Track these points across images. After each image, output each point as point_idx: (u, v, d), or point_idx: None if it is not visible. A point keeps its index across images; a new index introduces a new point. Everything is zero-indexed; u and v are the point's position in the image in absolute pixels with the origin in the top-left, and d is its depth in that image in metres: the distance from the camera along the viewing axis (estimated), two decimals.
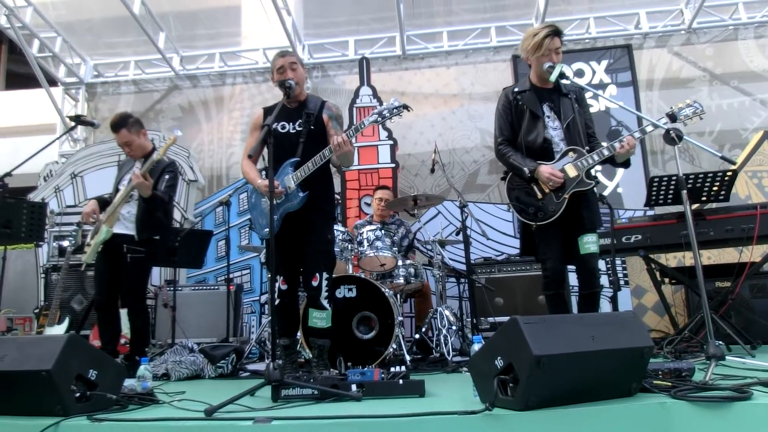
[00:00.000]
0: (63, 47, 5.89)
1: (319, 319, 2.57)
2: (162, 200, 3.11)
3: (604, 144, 2.53)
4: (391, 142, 5.32)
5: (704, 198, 3.19)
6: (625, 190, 5.04)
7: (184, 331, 4.00)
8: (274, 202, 2.50)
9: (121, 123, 3.13)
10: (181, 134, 3.18)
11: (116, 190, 3.22)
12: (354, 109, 5.39)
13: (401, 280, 3.59)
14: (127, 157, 3.31)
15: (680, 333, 3.01)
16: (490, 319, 3.98)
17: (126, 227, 3.11)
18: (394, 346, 3.14)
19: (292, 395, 1.87)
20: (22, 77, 8.42)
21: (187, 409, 1.75)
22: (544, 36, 2.51)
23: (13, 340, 1.90)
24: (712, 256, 4.48)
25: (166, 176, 3.13)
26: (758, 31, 5.37)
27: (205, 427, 1.56)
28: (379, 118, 2.56)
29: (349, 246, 3.60)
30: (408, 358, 3.15)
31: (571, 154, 2.54)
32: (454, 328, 3.46)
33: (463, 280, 4.23)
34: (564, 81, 2.59)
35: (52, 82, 6.00)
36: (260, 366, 3.41)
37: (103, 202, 3.21)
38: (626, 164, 2.59)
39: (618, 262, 4.64)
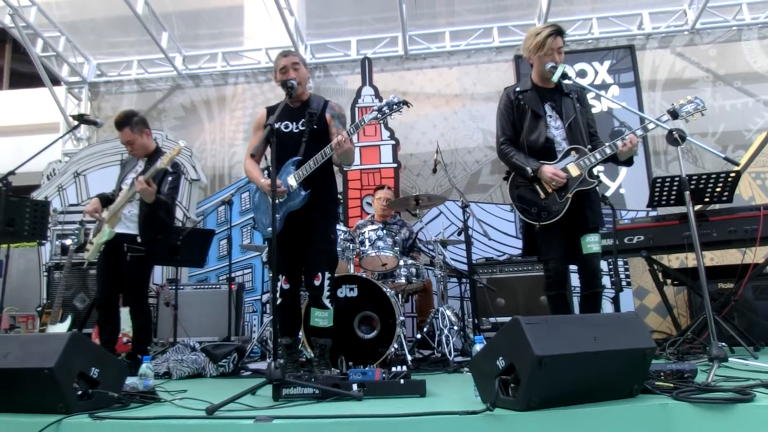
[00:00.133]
0: (66, 46, 5.91)
1: (321, 318, 2.57)
2: (165, 203, 3.12)
3: (607, 143, 2.53)
4: (393, 142, 5.32)
5: (707, 199, 3.17)
6: (628, 191, 5.03)
7: (186, 330, 4.01)
8: (277, 201, 2.51)
9: (125, 122, 3.13)
10: (185, 144, 3.18)
11: (119, 188, 3.23)
12: (356, 109, 5.39)
13: (402, 280, 3.58)
14: (130, 155, 3.32)
15: (683, 334, 3.00)
16: (492, 320, 3.97)
17: (127, 227, 3.12)
18: (396, 345, 3.14)
19: (294, 394, 1.87)
20: (25, 76, 8.45)
21: (188, 408, 1.75)
22: (546, 35, 2.51)
23: (16, 337, 1.91)
24: (715, 258, 4.46)
25: (169, 178, 3.14)
26: (762, 32, 5.35)
27: (206, 425, 1.57)
28: (379, 115, 2.56)
29: (351, 246, 3.60)
30: (409, 357, 3.15)
31: (573, 153, 2.53)
32: (455, 328, 3.46)
33: (464, 280, 4.22)
34: (566, 81, 2.58)
35: (56, 81, 6.03)
36: (261, 365, 3.41)
37: (106, 200, 3.22)
38: (629, 162, 2.58)
39: (620, 262, 4.63)
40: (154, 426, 1.58)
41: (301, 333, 2.97)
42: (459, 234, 3.97)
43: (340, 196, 4.21)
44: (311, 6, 5.88)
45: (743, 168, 4.95)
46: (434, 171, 3.93)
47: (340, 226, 3.57)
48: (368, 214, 4.95)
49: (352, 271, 3.55)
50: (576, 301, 2.92)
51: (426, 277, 3.88)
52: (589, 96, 3.67)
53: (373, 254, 3.46)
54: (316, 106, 2.71)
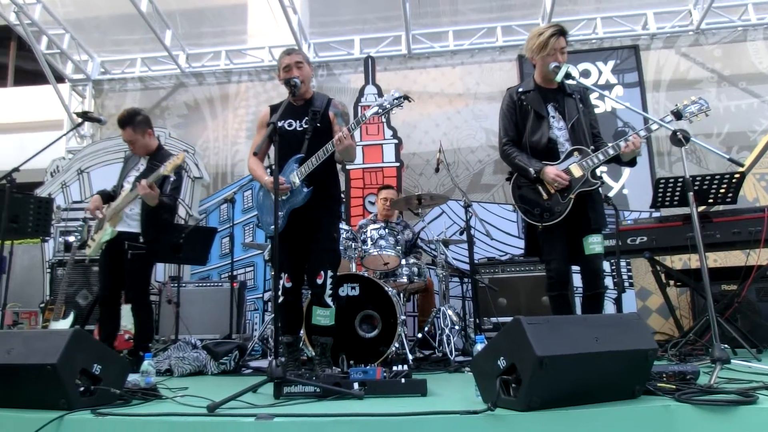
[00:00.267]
0: (71, 44, 5.93)
1: (323, 316, 2.58)
2: (168, 205, 3.14)
3: (610, 143, 2.52)
4: (395, 141, 5.31)
5: (711, 200, 3.16)
6: (631, 192, 5.01)
7: (188, 328, 4.01)
8: (280, 198, 2.52)
9: (128, 121, 3.14)
10: (187, 153, 3.19)
11: (120, 185, 3.24)
12: (359, 107, 5.39)
13: (404, 279, 3.58)
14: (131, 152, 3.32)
15: (685, 336, 2.99)
16: (493, 319, 3.97)
17: (129, 225, 3.13)
18: (397, 344, 3.14)
19: (295, 392, 1.87)
20: (30, 74, 8.48)
21: (189, 405, 1.76)
22: (549, 35, 2.50)
23: (20, 333, 1.92)
24: (719, 259, 4.45)
25: (171, 178, 3.14)
26: None
27: (207, 423, 1.57)
28: (380, 110, 2.55)
29: (353, 244, 3.60)
30: (410, 357, 3.15)
31: (576, 154, 2.52)
32: (456, 327, 3.45)
33: (466, 279, 4.22)
34: (569, 81, 2.57)
35: (60, 78, 6.05)
36: (263, 363, 3.42)
37: (107, 196, 3.23)
38: (632, 163, 2.57)
39: (623, 263, 4.61)
40: (155, 423, 1.59)
41: (302, 331, 2.98)
42: (461, 233, 3.97)
43: (342, 195, 4.20)
44: (315, 4, 5.87)
45: (748, 169, 4.92)
46: (437, 170, 3.93)
47: (343, 225, 3.57)
48: (370, 213, 4.95)
49: (353, 269, 3.55)
50: (578, 301, 2.91)
51: (428, 277, 3.88)
52: (593, 96, 3.65)
53: (375, 253, 3.46)
54: (319, 104, 2.71)
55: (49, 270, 4.92)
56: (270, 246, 3.82)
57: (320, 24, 5.91)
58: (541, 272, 3.91)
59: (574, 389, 1.55)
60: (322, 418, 1.53)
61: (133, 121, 3.14)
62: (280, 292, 2.58)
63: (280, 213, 2.37)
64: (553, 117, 2.59)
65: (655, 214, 4.09)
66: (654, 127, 2.52)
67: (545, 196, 2.52)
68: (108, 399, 1.78)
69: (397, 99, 2.53)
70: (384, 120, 5.31)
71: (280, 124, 2.60)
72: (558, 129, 2.58)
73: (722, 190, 3.10)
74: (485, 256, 4.67)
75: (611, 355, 1.58)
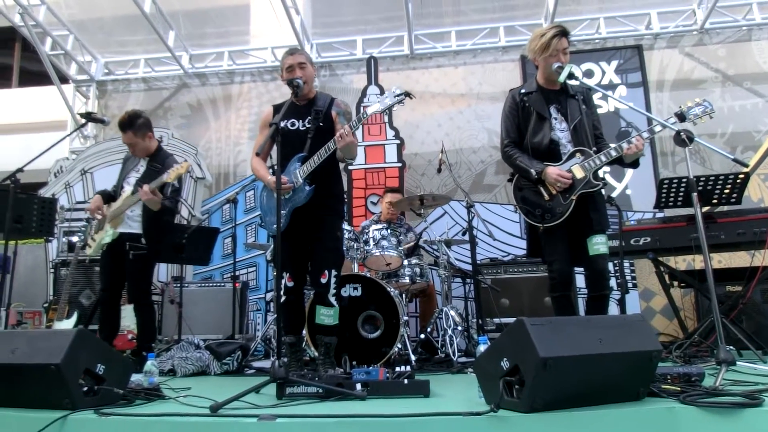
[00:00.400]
0: (75, 45, 5.95)
1: (327, 316, 2.57)
2: (169, 208, 3.16)
3: (612, 145, 2.51)
4: (398, 141, 5.31)
5: (715, 200, 3.14)
6: (634, 192, 4.99)
7: (191, 328, 4.02)
8: (283, 197, 2.52)
9: (129, 125, 3.15)
10: (192, 154, 3.21)
11: (121, 185, 3.25)
12: (361, 108, 5.38)
13: (407, 280, 3.58)
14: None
15: (690, 337, 2.98)
16: (496, 320, 3.96)
17: (130, 226, 3.15)
18: (399, 345, 3.13)
19: (297, 393, 1.87)
20: (34, 74, 8.51)
21: (192, 405, 1.76)
22: (551, 36, 2.49)
23: (24, 333, 1.92)
24: (723, 260, 4.42)
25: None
26: None
27: (210, 423, 1.57)
28: (381, 106, 2.56)
29: (355, 245, 3.60)
30: (413, 357, 3.14)
31: (578, 155, 2.52)
32: (459, 328, 3.45)
33: (468, 280, 4.21)
34: (572, 82, 2.57)
35: (64, 79, 6.07)
36: (265, 363, 3.42)
37: (107, 196, 3.25)
38: (635, 165, 2.56)
39: (626, 264, 4.60)
40: (158, 423, 1.59)
41: (304, 331, 2.97)
42: (463, 234, 3.97)
43: (345, 195, 4.18)
44: (317, 5, 5.88)
45: (752, 169, 4.89)
46: (439, 171, 3.92)
47: (345, 225, 3.57)
48: (373, 213, 4.95)
49: (356, 270, 3.55)
50: (581, 302, 2.90)
51: (430, 280, 3.86)
52: (596, 96, 3.63)
53: (378, 254, 3.45)
54: (322, 104, 2.71)
55: (52, 270, 4.93)
56: (272, 246, 3.83)
57: (323, 24, 5.91)
58: (543, 273, 3.90)
59: (578, 391, 1.54)
60: (325, 419, 1.53)
61: (134, 125, 3.15)
62: (282, 292, 2.58)
63: (282, 212, 2.38)
64: (556, 118, 2.59)
65: (659, 215, 4.07)
66: (657, 128, 2.51)
67: (546, 197, 2.51)
68: (111, 399, 1.78)
69: (398, 95, 2.54)
70: (386, 120, 5.31)
71: (283, 123, 2.60)
72: (560, 130, 2.57)
73: (726, 191, 3.08)
74: (488, 256, 4.67)
75: (615, 356, 1.57)
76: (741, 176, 3.07)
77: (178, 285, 4.21)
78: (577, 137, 2.55)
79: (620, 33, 5.50)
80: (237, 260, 4.49)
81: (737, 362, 2.06)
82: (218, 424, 1.56)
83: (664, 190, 3.20)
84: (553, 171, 2.47)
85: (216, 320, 4.35)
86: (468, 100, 5.61)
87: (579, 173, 2.48)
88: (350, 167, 5.24)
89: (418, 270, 3.64)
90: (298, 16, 5.51)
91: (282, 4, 5.13)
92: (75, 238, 4.20)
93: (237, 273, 4.54)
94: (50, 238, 4.91)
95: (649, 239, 3.31)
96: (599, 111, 2.93)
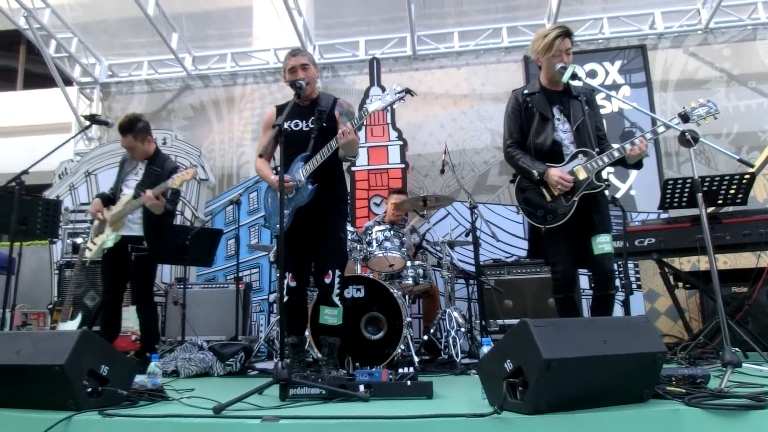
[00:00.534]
0: (79, 47, 5.99)
1: (331, 316, 2.57)
2: (170, 211, 3.19)
3: (615, 145, 2.50)
4: (401, 142, 5.31)
5: (721, 201, 3.13)
6: (639, 193, 4.97)
7: (194, 329, 4.03)
8: (286, 197, 2.52)
9: (129, 129, 3.17)
10: (197, 166, 3.24)
11: (119, 188, 3.27)
12: (364, 109, 5.39)
13: (410, 281, 3.58)
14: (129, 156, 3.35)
15: (695, 338, 2.96)
16: (499, 322, 3.95)
17: (131, 229, 3.18)
18: (402, 347, 3.13)
19: (300, 394, 1.87)
20: (39, 77, 8.57)
21: (196, 407, 1.76)
22: (554, 37, 2.49)
23: (28, 334, 1.93)
24: (729, 261, 4.40)
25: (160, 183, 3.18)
26: None
27: (213, 424, 1.57)
28: (383, 104, 2.56)
29: (358, 246, 3.60)
30: (416, 359, 3.14)
31: (580, 156, 2.51)
32: (462, 329, 3.44)
33: (472, 281, 4.20)
34: (575, 82, 2.56)
35: (68, 81, 6.10)
36: (268, 364, 3.42)
37: (106, 199, 3.27)
38: (638, 165, 2.55)
39: (630, 265, 4.57)
40: (162, 424, 1.59)
41: (307, 332, 2.97)
42: (467, 235, 3.95)
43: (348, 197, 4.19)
44: (320, 7, 5.89)
45: (758, 170, 4.87)
46: (442, 172, 3.91)
47: (348, 226, 3.57)
48: (376, 214, 4.95)
49: (359, 271, 3.55)
50: (585, 303, 2.89)
51: (433, 282, 3.86)
52: (600, 96, 3.61)
53: (381, 255, 3.45)
54: (325, 104, 2.72)
55: (57, 271, 4.96)
56: (275, 247, 3.83)
57: (325, 26, 5.92)
58: (547, 274, 3.89)
59: (582, 393, 1.53)
60: (328, 420, 1.53)
61: (134, 128, 3.18)
62: (284, 292, 2.59)
63: (285, 212, 2.38)
64: (558, 119, 2.58)
65: (663, 216, 4.05)
66: (661, 129, 2.50)
67: (549, 198, 2.50)
68: (115, 400, 1.79)
69: (399, 92, 2.54)
70: (389, 121, 5.31)
71: (286, 124, 2.60)
72: (563, 131, 2.57)
73: (732, 191, 3.06)
74: (491, 257, 4.66)
75: (619, 358, 1.56)
76: (747, 176, 3.05)
77: (182, 286, 4.23)
78: (580, 138, 2.54)
79: (624, 33, 5.48)
80: (240, 261, 4.49)
81: (743, 364, 2.05)
82: (221, 426, 1.56)
83: (669, 191, 3.18)
84: (554, 173, 2.46)
85: (219, 321, 4.36)
86: (471, 100, 5.60)
87: (581, 174, 2.47)
88: (353, 168, 5.25)
89: (421, 271, 3.64)
90: (301, 18, 5.52)
91: (284, 6, 5.14)
92: (79, 240, 4.22)
93: (240, 274, 4.54)
94: (55, 240, 4.94)
95: (653, 240, 3.29)
96: (603, 111, 2.92)
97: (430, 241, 4.38)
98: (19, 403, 1.75)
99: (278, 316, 3.53)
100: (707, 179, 3.06)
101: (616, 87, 5.18)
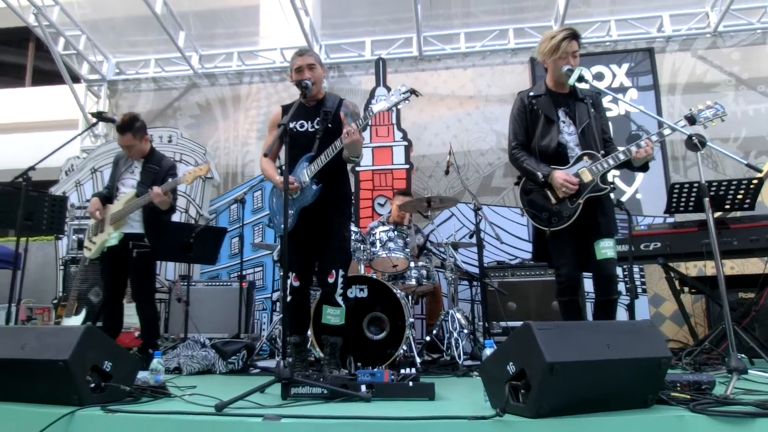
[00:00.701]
0: (87, 45, 6.02)
1: (333, 315, 2.58)
2: (172, 207, 3.25)
3: (621, 148, 2.48)
4: (405, 143, 5.31)
5: (728, 206, 3.10)
6: (645, 196, 4.94)
7: (197, 326, 4.04)
8: (291, 197, 2.52)
9: (128, 127, 3.21)
10: (209, 162, 3.27)
11: (116, 187, 3.29)
12: (369, 109, 5.39)
13: (413, 282, 3.57)
14: (125, 154, 3.36)
15: (700, 344, 2.93)
16: (503, 324, 3.94)
17: (132, 227, 3.21)
18: (405, 347, 3.12)
19: (302, 394, 1.87)
20: (47, 74, 8.63)
21: (198, 404, 1.77)
22: (561, 39, 2.47)
23: (33, 329, 1.95)
24: (735, 266, 4.36)
25: (170, 179, 3.22)
26: None
27: (215, 422, 1.57)
28: (387, 104, 2.56)
29: (362, 246, 3.60)
30: (418, 360, 3.13)
31: (585, 158, 2.49)
32: (465, 331, 3.43)
33: (475, 283, 4.19)
34: (582, 85, 2.54)
35: (76, 78, 6.14)
36: (270, 363, 3.42)
37: (104, 198, 3.30)
38: (644, 168, 2.53)
39: (635, 269, 4.55)
40: (164, 421, 1.59)
41: (309, 332, 2.98)
42: (471, 237, 3.95)
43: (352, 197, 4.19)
44: (326, 6, 5.90)
45: (766, 175, 4.81)
46: (447, 173, 3.90)
47: (352, 226, 3.57)
48: (380, 215, 4.95)
49: (362, 271, 3.54)
50: (589, 306, 2.87)
51: (436, 283, 3.85)
52: (606, 99, 3.58)
53: (384, 255, 3.45)
54: (330, 105, 2.72)
55: (62, 267, 4.99)
56: (279, 246, 3.83)
57: (332, 26, 5.92)
58: (551, 277, 3.86)
59: (585, 397, 1.52)
60: (329, 420, 1.53)
61: (133, 127, 3.22)
62: (287, 291, 2.59)
63: (290, 212, 2.38)
64: (564, 122, 2.57)
65: (670, 220, 4.03)
66: (667, 132, 2.48)
67: (553, 200, 2.49)
68: (118, 396, 1.80)
69: (404, 93, 2.54)
70: (394, 122, 5.31)
71: (292, 125, 2.61)
72: (568, 134, 2.55)
73: (739, 196, 3.03)
74: (495, 259, 4.64)
75: (623, 362, 1.55)
76: (754, 181, 3.03)
77: (186, 283, 4.24)
78: (585, 141, 2.53)
79: (631, 36, 5.45)
80: (244, 260, 4.50)
81: (749, 371, 2.03)
82: (223, 423, 1.57)
83: (675, 195, 3.16)
84: (559, 175, 2.45)
85: (222, 319, 4.37)
86: (476, 102, 5.59)
87: (586, 177, 2.45)
88: (357, 168, 5.24)
89: (424, 272, 3.63)
90: (308, 18, 5.53)
91: (291, 6, 5.15)
92: (84, 236, 4.24)
93: (244, 272, 4.55)
94: (60, 236, 4.97)
95: (659, 244, 3.27)
96: (609, 114, 2.91)
97: (434, 242, 4.38)
98: (23, 397, 1.76)
99: (281, 315, 3.54)
100: (714, 184, 3.03)
101: (623, 90, 5.15)
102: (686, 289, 3.54)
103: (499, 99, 5.52)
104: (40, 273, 5.38)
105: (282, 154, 2.61)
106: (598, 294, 2.48)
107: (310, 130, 2.68)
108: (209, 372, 2.97)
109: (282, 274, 2.49)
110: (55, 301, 4.32)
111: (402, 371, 2.09)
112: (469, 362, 3.23)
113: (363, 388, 1.88)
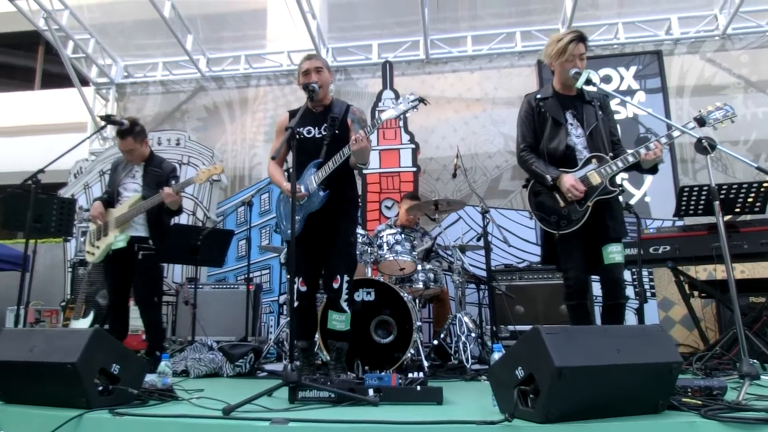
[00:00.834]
0: (96, 48, 6.09)
1: (339, 321, 2.57)
2: (169, 209, 3.25)
3: (629, 150, 2.46)
4: (413, 145, 5.30)
5: (738, 209, 3.07)
6: (653, 200, 4.90)
7: (204, 329, 4.05)
8: (298, 203, 2.53)
9: (129, 131, 3.25)
10: (222, 163, 3.30)
11: (117, 192, 3.32)
12: (376, 112, 5.39)
13: (420, 285, 3.56)
14: (123, 159, 3.39)
15: (711, 349, 2.90)
16: (510, 327, 3.91)
17: (136, 230, 3.24)
18: (412, 351, 3.11)
19: (309, 397, 1.87)
20: (56, 77, 8.72)
21: (205, 407, 1.77)
22: (568, 41, 2.46)
23: (42, 332, 1.96)
24: (746, 270, 4.31)
25: (172, 182, 3.25)
26: None
27: (222, 425, 1.57)
28: (396, 113, 2.55)
29: (369, 249, 3.59)
30: (426, 364, 3.12)
31: (594, 161, 2.48)
32: (473, 335, 3.41)
33: (483, 286, 4.17)
34: (590, 88, 2.53)
35: (85, 82, 6.21)
36: (278, 366, 3.43)
37: (105, 203, 3.32)
38: (653, 170, 2.51)
39: (644, 273, 4.50)
40: (171, 424, 1.60)
41: (317, 335, 2.97)
42: (478, 240, 3.92)
43: (359, 201, 4.20)
44: (333, 9, 5.92)
45: None
46: (454, 175, 3.89)
47: (359, 230, 3.57)
48: (387, 218, 4.94)
49: (369, 274, 3.54)
50: (598, 310, 2.85)
51: (443, 286, 3.84)
52: (614, 102, 3.56)
53: (391, 258, 3.44)
54: (338, 111, 2.72)
55: (70, 269, 5.03)
56: (286, 249, 3.84)
57: (339, 29, 5.95)
58: (559, 280, 3.84)
59: (594, 402, 1.51)
60: (337, 424, 1.52)
61: (133, 131, 3.26)
62: (295, 297, 2.59)
63: (297, 217, 2.39)
64: (572, 124, 2.56)
65: (679, 223, 3.99)
66: (676, 134, 2.46)
67: (562, 203, 2.47)
68: (125, 399, 1.80)
69: (412, 102, 2.54)
70: (401, 125, 5.31)
71: (299, 130, 2.61)
72: (576, 136, 2.54)
73: (750, 200, 3.00)
74: (502, 262, 4.62)
75: (633, 367, 1.53)
76: (765, 185, 3.00)
77: (193, 286, 4.25)
78: (593, 143, 2.51)
79: (639, 38, 5.43)
80: (251, 263, 4.51)
81: (761, 376, 2.00)
82: (231, 427, 1.56)
83: (685, 198, 3.13)
84: (567, 180, 2.43)
85: (229, 322, 4.38)
86: (483, 104, 5.58)
87: (595, 179, 2.44)
88: (365, 171, 5.25)
89: (431, 275, 3.62)
90: (315, 21, 5.56)
91: (299, 9, 5.17)
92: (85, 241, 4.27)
93: (251, 275, 4.56)
94: (69, 238, 5.01)
95: (668, 248, 3.24)
96: (617, 117, 2.89)
97: (441, 245, 4.36)
98: (32, 399, 1.77)
99: (288, 319, 3.54)
100: (724, 187, 3.01)
101: (630, 92, 5.12)
102: (696, 293, 3.50)
103: (506, 102, 5.51)
104: (48, 275, 5.43)
105: (289, 158, 2.62)
106: (606, 298, 2.47)
107: (317, 136, 2.68)
108: (216, 375, 2.97)
109: (288, 279, 2.50)
110: (63, 304, 4.35)
111: (410, 375, 2.08)
112: (476, 366, 3.21)
113: (371, 391, 1.87)
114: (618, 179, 2.50)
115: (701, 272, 4.22)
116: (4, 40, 9.19)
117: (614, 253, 2.42)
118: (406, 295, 3.22)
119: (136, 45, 6.18)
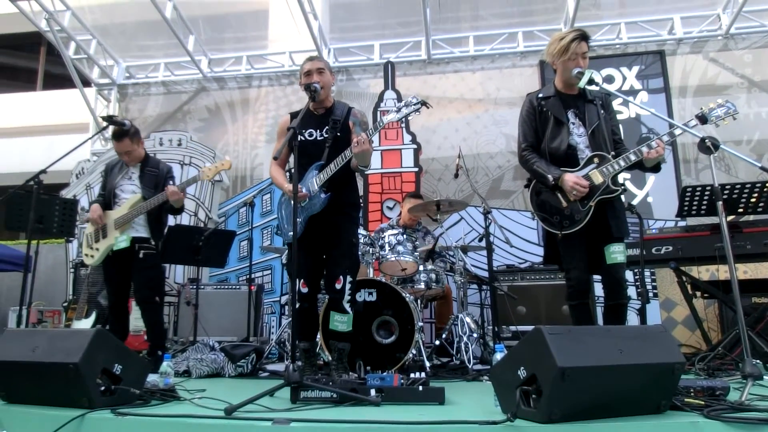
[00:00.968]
0: (97, 49, 6.10)
1: (341, 322, 2.57)
2: (168, 208, 3.29)
3: (632, 149, 2.46)
4: (414, 146, 5.30)
5: (741, 210, 3.06)
6: (656, 200, 4.89)
7: (206, 329, 4.05)
8: (299, 205, 2.53)
9: (125, 133, 3.26)
10: (229, 159, 3.31)
11: (113, 194, 3.32)
12: (378, 113, 5.39)
13: (422, 285, 3.55)
14: (119, 161, 3.40)
15: (714, 349, 2.89)
16: (512, 328, 3.91)
17: (137, 230, 3.25)
18: (414, 351, 3.11)
19: (311, 397, 1.87)
20: (58, 78, 8.75)
21: (207, 407, 1.77)
22: (570, 40, 2.46)
23: (44, 332, 1.96)
24: (749, 270, 4.30)
25: (170, 182, 3.26)
26: None
27: (224, 425, 1.57)
28: (397, 115, 2.55)
29: (371, 249, 3.59)
30: (428, 364, 3.11)
31: (596, 160, 2.47)
32: (474, 335, 3.41)
33: (485, 287, 4.16)
34: (592, 87, 2.52)
35: (86, 82, 6.22)
36: (279, 367, 3.42)
37: (103, 205, 3.33)
38: (656, 169, 2.50)
39: (647, 273, 4.49)
40: (173, 424, 1.60)
41: (319, 336, 2.97)
42: (480, 240, 3.92)
43: (360, 201, 4.20)
44: (335, 10, 5.92)
45: None
46: (456, 176, 3.89)
47: (360, 230, 3.57)
48: (388, 218, 4.94)
49: (371, 275, 3.54)
50: (599, 311, 2.84)
51: (446, 284, 3.83)
52: (617, 102, 3.55)
53: (393, 259, 3.44)
54: (339, 113, 2.72)
55: (72, 270, 5.04)
56: (287, 250, 3.84)
57: (340, 29, 5.95)
58: (561, 281, 3.83)
59: (597, 402, 1.50)
60: (339, 424, 1.52)
61: (129, 133, 3.27)
62: (296, 298, 2.59)
63: (298, 219, 2.38)
64: (573, 123, 2.55)
65: (681, 224, 3.98)
66: (678, 132, 2.45)
67: (564, 203, 2.47)
68: (128, 399, 1.81)
69: (414, 105, 2.53)
70: (403, 125, 5.31)
71: (300, 132, 2.62)
72: (578, 135, 2.54)
73: (753, 200, 2.99)
74: (504, 263, 4.61)
75: (636, 368, 1.53)
76: None
77: (194, 287, 4.25)
78: (595, 142, 2.51)
79: (642, 38, 5.42)
80: (253, 263, 4.52)
81: (764, 376, 1.99)
82: (233, 427, 1.56)
83: (687, 198, 3.13)
84: (570, 178, 2.43)
85: (231, 322, 4.38)
86: (485, 105, 5.57)
87: (597, 178, 2.43)
88: (366, 172, 5.24)
89: (433, 276, 3.61)
90: (316, 21, 5.56)
91: (300, 10, 5.18)
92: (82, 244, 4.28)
93: (252, 276, 4.56)
94: (71, 239, 5.02)
95: (671, 248, 3.23)
96: (620, 117, 2.88)
97: (443, 245, 4.36)
98: (34, 399, 1.78)
99: (289, 318, 3.54)
100: (727, 187, 3.00)
101: (633, 92, 5.11)
102: (698, 293, 3.49)
103: (508, 102, 5.50)
104: (50, 276, 5.45)
105: (291, 159, 2.62)
106: (608, 298, 2.46)
107: (318, 138, 2.68)
108: (218, 375, 2.97)
109: (290, 281, 2.50)
110: (66, 304, 4.36)
111: (411, 375, 2.08)
112: (478, 366, 3.21)
113: (372, 392, 1.87)
114: (620, 179, 2.49)
115: (703, 272, 4.21)
116: (6, 41, 9.23)
117: (616, 253, 2.41)
118: (408, 295, 3.22)
119: (137, 46, 6.19)
